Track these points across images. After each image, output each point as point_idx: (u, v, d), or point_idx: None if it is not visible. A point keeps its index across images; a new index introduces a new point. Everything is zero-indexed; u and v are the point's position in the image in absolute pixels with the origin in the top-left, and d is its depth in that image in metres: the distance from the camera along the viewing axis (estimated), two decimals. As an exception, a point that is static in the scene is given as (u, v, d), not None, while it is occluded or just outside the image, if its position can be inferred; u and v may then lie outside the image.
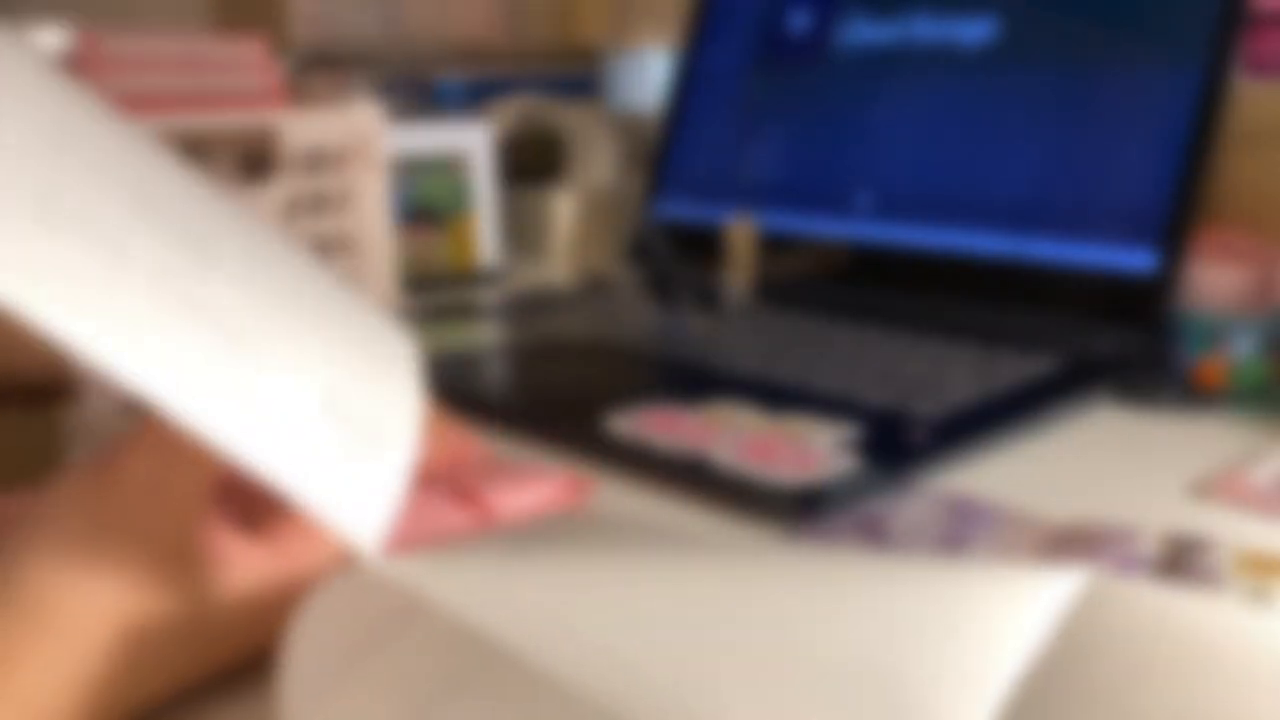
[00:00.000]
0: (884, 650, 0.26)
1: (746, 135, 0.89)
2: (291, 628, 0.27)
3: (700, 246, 0.84)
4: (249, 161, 0.82)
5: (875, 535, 0.44)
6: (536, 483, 0.45)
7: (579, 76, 1.15)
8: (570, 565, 0.31)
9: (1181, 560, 0.40)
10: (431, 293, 0.90)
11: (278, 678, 0.27)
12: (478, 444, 0.48)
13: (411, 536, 0.34)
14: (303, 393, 0.30)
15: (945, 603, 0.28)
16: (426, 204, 0.94)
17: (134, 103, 0.67)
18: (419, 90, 1.12)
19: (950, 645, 0.26)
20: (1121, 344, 0.64)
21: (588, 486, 0.47)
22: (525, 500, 0.44)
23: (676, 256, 0.74)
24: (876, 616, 0.27)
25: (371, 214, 0.80)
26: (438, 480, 0.43)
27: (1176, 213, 0.65)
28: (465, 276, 0.95)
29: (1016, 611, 0.28)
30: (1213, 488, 0.48)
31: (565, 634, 0.25)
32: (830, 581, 0.29)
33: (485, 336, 0.76)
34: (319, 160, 0.72)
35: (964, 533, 0.44)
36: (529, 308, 0.82)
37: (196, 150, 0.83)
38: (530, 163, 1.10)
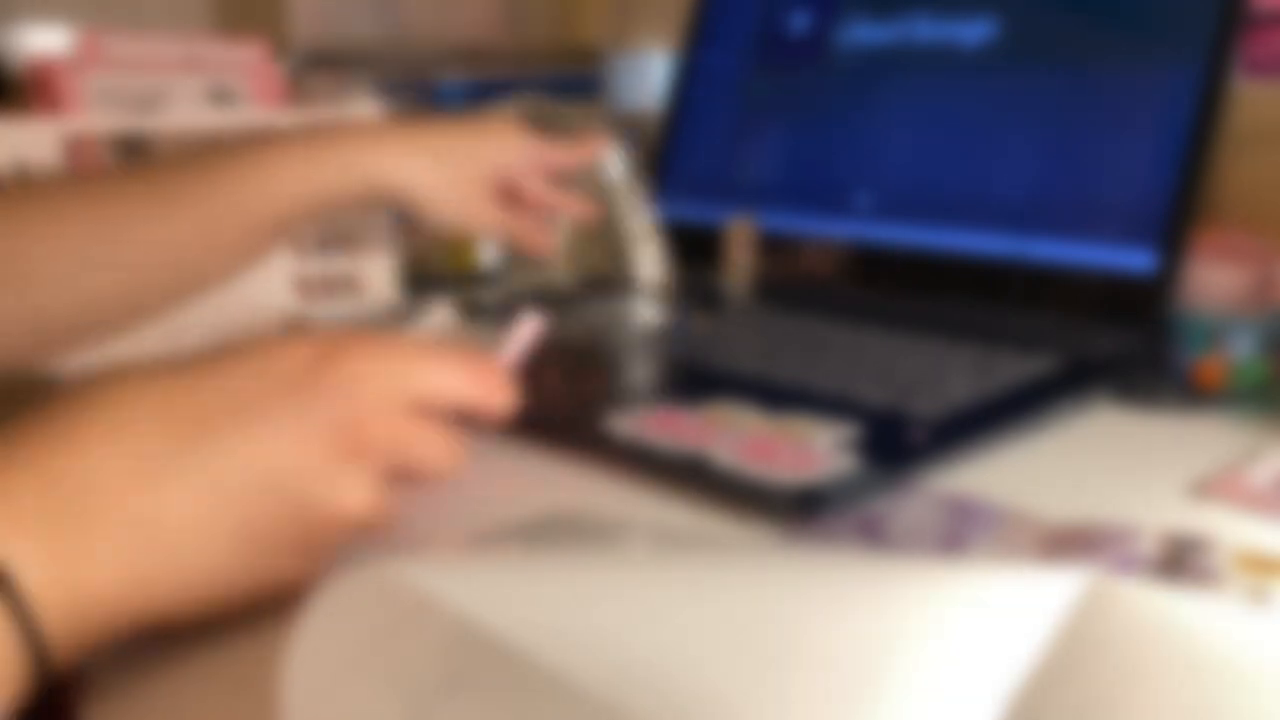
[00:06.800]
0: (887, 652, 0.26)
1: (746, 135, 0.89)
2: (295, 625, 0.27)
3: (700, 246, 0.84)
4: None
5: (875, 535, 0.44)
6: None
7: (579, 76, 1.15)
8: (572, 565, 0.31)
9: (1181, 560, 0.40)
10: (431, 293, 0.90)
11: (281, 674, 0.27)
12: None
13: None
14: None
15: (949, 604, 0.28)
16: (426, 204, 0.93)
17: (134, 102, 0.67)
18: (419, 90, 1.12)
19: (954, 647, 0.26)
20: (1121, 344, 0.64)
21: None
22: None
23: (676, 256, 0.74)
24: (880, 619, 0.27)
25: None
26: None
27: (1176, 213, 0.65)
28: (465, 276, 0.95)
29: (1020, 613, 0.28)
30: (1212, 488, 0.48)
31: (567, 633, 0.25)
32: (833, 583, 0.29)
33: (485, 337, 0.76)
34: (319, 160, 0.71)
35: (963, 533, 0.44)
36: (529, 308, 0.82)
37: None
38: (530, 163, 1.10)
